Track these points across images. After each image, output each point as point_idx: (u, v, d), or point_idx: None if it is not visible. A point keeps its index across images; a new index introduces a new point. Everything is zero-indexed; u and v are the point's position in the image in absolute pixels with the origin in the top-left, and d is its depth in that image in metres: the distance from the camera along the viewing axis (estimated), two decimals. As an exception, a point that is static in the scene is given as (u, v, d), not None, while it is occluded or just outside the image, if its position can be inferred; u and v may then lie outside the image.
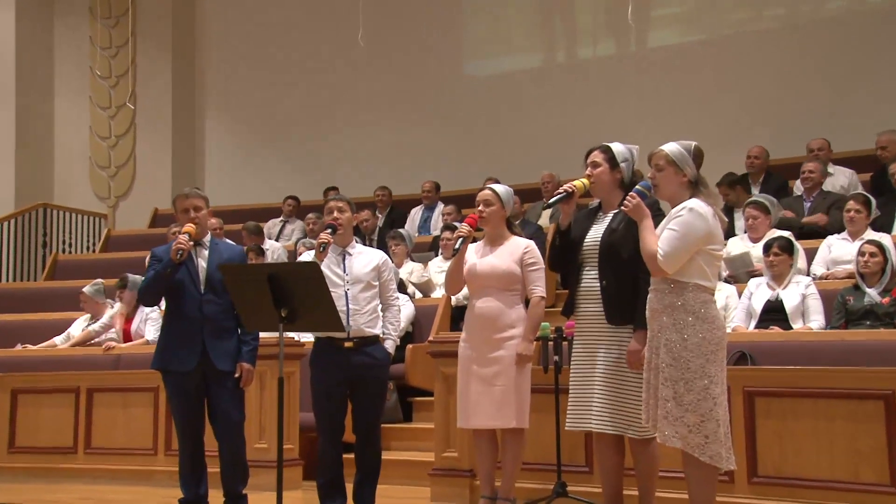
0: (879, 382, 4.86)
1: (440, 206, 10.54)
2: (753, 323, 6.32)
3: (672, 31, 11.55)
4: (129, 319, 8.26)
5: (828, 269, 6.91)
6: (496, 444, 5.20)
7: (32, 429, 7.46)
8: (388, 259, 5.44)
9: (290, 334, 6.61)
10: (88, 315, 8.52)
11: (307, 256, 5.32)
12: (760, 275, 6.65)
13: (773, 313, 6.24)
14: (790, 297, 6.27)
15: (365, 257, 5.30)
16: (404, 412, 7.41)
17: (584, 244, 4.66)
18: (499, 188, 5.23)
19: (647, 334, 4.21)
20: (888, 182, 7.84)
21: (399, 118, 12.28)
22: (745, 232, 7.29)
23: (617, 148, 4.73)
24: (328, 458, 5.15)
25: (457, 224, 7.21)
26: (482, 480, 5.21)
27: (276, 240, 10.65)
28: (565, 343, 5.21)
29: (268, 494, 4.90)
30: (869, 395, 4.86)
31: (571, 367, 4.71)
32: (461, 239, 5.05)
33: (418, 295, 8.39)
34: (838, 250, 6.95)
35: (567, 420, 4.72)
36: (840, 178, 8.52)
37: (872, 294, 6.08)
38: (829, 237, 7.16)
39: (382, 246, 8.78)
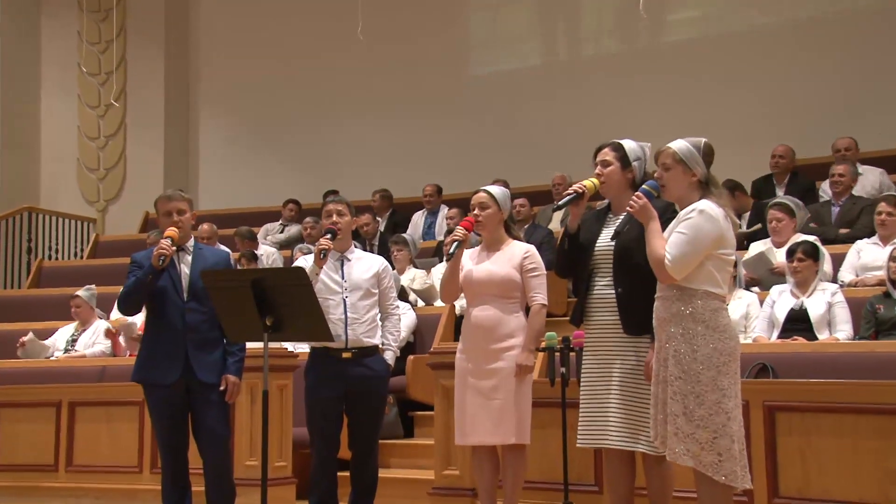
0: (911, 397, 4.72)
1: (444, 210, 10.36)
2: (776, 333, 6.17)
3: (687, 25, 11.36)
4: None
5: (857, 276, 6.77)
6: (497, 462, 5.07)
7: (11, 445, 7.23)
8: (389, 265, 5.40)
9: (286, 345, 6.55)
10: (75, 324, 8.30)
11: (304, 262, 5.17)
12: (782, 274, 6.50)
13: (797, 323, 6.09)
14: (815, 305, 6.12)
15: (364, 263, 5.25)
16: (405, 427, 7.29)
17: (595, 249, 4.48)
18: (494, 189, 5.09)
19: (655, 345, 4.06)
20: (920, 183, 7.74)
21: (400, 118, 12.05)
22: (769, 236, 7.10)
23: (629, 145, 4.55)
24: (321, 476, 5.08)
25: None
26: (482, 500, 5.09)
27: (281, 247, 10.36)
28: (573, 354, 5.07)
29: (257, 514, 4.78)
30: (899, 410, 4.71)
31: (582, 380, 4.56)
32: (456, 243, 4.89)
33: (420, 303, 8.28)
34: (868, 255, 6.81)
35: (579, 436, 4.55)
36: (869, 177, 8.34)
37: (904, 302, 5.94)
38: (859, 241, 7.01)
39: (384, 251, 8.70)
